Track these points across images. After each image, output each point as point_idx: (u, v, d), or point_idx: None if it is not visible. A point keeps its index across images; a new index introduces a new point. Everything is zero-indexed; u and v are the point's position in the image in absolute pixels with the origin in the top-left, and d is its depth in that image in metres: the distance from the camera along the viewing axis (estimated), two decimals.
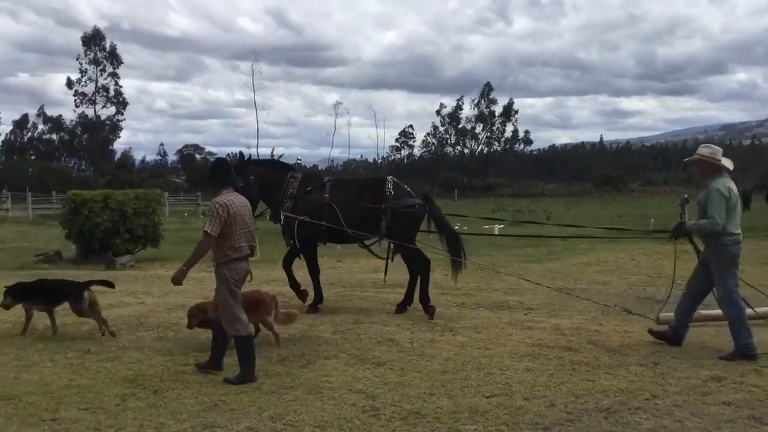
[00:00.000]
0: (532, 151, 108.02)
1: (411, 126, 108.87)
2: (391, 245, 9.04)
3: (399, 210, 8.73)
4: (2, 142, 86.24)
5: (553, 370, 6.10)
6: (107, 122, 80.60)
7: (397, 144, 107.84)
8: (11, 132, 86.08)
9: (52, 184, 54.82)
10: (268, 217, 9.31)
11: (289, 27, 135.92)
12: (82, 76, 78.44)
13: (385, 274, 9.33)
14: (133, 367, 6.13)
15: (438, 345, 7.00)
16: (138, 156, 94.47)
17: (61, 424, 4.67)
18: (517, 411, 4.99)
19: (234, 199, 5.97)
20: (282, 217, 8.89)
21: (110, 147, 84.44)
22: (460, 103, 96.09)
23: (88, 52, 77.95)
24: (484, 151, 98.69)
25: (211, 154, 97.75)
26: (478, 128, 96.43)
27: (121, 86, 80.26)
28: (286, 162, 10.73)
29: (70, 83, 78.26)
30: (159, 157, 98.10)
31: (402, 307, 8.88)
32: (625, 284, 11.96)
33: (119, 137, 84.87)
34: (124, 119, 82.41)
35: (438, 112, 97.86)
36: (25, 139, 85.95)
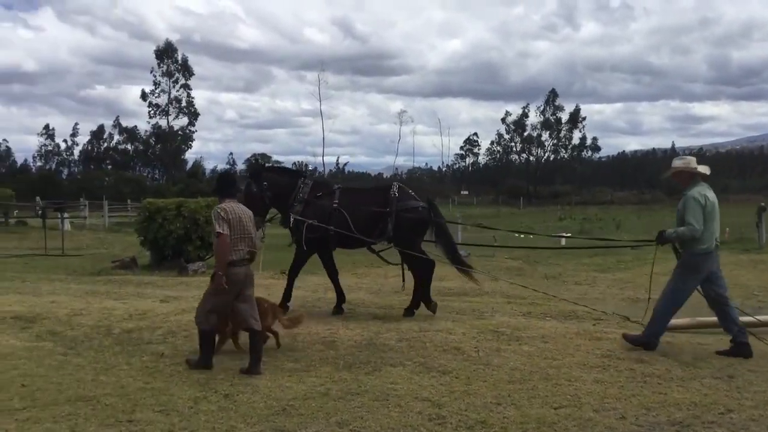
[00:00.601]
0: (600, 158, 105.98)
1: (476, 134, 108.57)
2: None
3: (403, 213, 9.03)
4: (80, 152, 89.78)
5: (623, 382, 5.97)
6: (179, 132, 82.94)
7: (462, 152, 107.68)
8: (89, 142, 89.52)
9: (127, 193, 56.74)
10: (279, 222, 9.68)
11: (355, 37, 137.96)
12: (155, 88, 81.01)
13: (403, 280, 9.61)
14: (204, 372, 6.28)
15: (504, 354, 6.94)
16: (208, 165, 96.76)
17: (137, 425, 4.83)
18: (586, 423, 4.91)
19: (234, 207, 6.55)
20: (291, 220, 9.17)
21: (182, 156, 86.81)
22: (525, 110, 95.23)
23: (161, 65, 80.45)
24: (551, 159, 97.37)
25: (278, 162, 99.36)
26: (544, 135, 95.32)
27: (192, 97, 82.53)
28: (297, 169, 11.40)
29: (144, 95, 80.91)
30: (228, 166, 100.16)
31: (409, 312, 9.07)
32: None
33: (191, 147, 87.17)
34: (196, 130, 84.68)
35: (503, 120, 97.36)
36: (102, 149, 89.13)
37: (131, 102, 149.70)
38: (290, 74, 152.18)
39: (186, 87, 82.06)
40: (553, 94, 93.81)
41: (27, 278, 13.67)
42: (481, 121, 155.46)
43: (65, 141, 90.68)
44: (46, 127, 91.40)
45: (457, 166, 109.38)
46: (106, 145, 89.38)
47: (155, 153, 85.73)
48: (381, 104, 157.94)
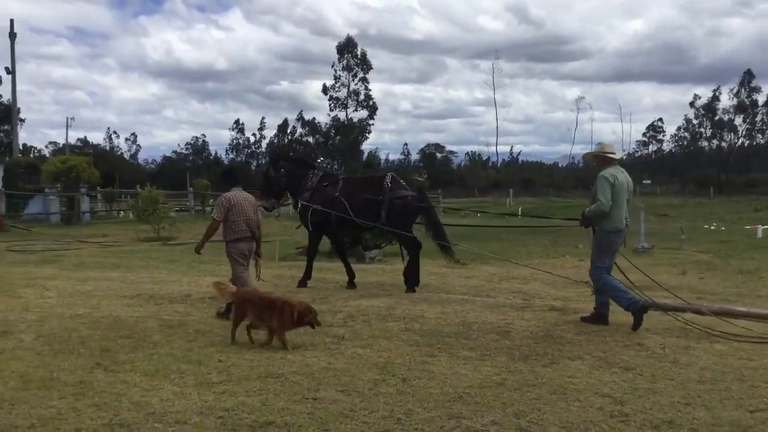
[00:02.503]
0: None
1: (660, 119, 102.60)
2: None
3: (394, 200, 10.18)
4: (267, 144, 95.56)
5: None
6: (357, 124, 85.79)
7: (645, 139, 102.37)
8: (275, 135, 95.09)
9: None
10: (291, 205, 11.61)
11: (530, 22, 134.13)
12: (335, 82, 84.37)
13: (403, 260, 10.74)
14: (383, 355, 6.47)
15: (693, 353, 6.53)
16: (383, 156, 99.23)
17: (322, 403, 5.07)
18: None
19: (237, 195, 8.09)
20: (300, 205, 10.71)
21: (359, 147, 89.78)
22: (716, 93, 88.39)
23: (341, 60, 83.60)
24: (745, 145, 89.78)
25: (451, 152, 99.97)
26: (738, 120, 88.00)
27: (370, 90, 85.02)
28: (310, 161, 13.10)
29: (325, 89, 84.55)
30: (402, 157, 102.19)
31: (411, 288, 10.13)
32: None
33: (368, 138, 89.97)
34: (374, 123, 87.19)
35: (691, 104, 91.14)
36: (286, 142, 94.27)
37: (312, 96, 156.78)
38: (463, 63, 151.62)
39: (364, 80, 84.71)
40: (748, 75, 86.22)
41: (221, 262, 14.78)
42: (666, 105, 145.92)
43: (254, 134, 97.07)
44: (237, 121, 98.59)
45: (639, 153, 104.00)
46: (290, 138, 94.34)
47: (334, 144, 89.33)
48: (556, 91, 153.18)
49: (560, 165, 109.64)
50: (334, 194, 10.47)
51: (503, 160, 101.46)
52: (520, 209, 37.99)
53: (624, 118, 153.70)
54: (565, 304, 9.22)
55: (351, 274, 10.73)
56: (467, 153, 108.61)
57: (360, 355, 6.48)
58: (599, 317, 7.78)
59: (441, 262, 14.45)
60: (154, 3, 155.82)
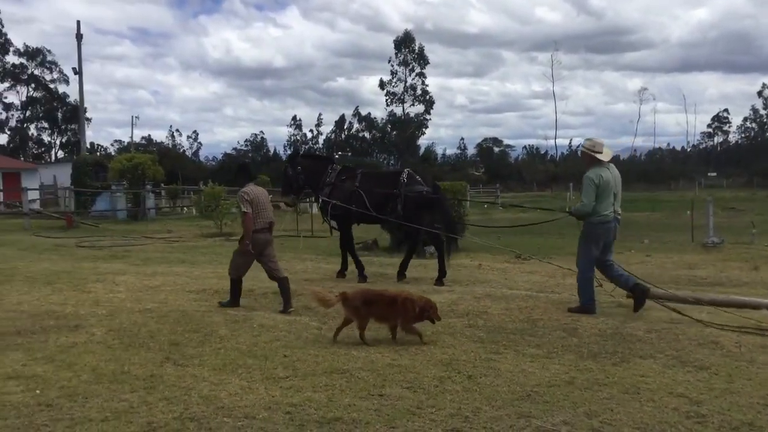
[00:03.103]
0: None
1: (726, 110, 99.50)
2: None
3: (409, 195, 10.58)
4: (324, 140, 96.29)
5: None
6: (414, 119, 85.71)
7: (710, 130, 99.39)
8: (332, 131, 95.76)
9: None
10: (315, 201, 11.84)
11: (589, 13, 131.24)
12: (392, 78, 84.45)
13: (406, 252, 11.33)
14: (447, 352, 6.41)
15: None
16: (439, 150, 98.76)
17: (388, 399, 5.04)
18: None
19: (253, 189, 8.48)
20: (321, 200, 11.13)
21: (416, 142, 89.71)
22: None
23: (398, 55, 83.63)
24: None
25: (508, 146, 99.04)
26: None
27: (427, 85, 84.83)
28: (328, 156, 13.85)
29: (382, 84, 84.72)
30: (459, 151, 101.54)
31: (439, 282, 10.50)
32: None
33: (424, 133, 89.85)
34: (430, 118, 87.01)
35: (760, 93, 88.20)
36: (343, 137, 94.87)
37: (368, 92, 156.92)
38: (520, 56, 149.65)
39: (421, 75, 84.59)
40: None
41: (282, 257, 14.93)
42: (732, 95, 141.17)
43: (311, 131, 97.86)
44: (294, 118, 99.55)
45: (704, 145, 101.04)
46: (347, 133, 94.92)
47: (391, 140, 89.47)
48: (617, 82, 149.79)
49: (621, 158, 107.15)
50: (353, 188, 10.93)
51: (562, 153, 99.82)
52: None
53: (688, 109, 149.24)
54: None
55: (345, 266, 11.34)
56: (525, 147, 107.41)
57: (424, 351, 6.43)
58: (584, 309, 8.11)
59: (503, 258, 14.31)
60: (213, 2, 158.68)
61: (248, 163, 11.25)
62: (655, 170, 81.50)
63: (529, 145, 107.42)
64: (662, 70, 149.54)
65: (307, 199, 11.62)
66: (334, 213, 11.04)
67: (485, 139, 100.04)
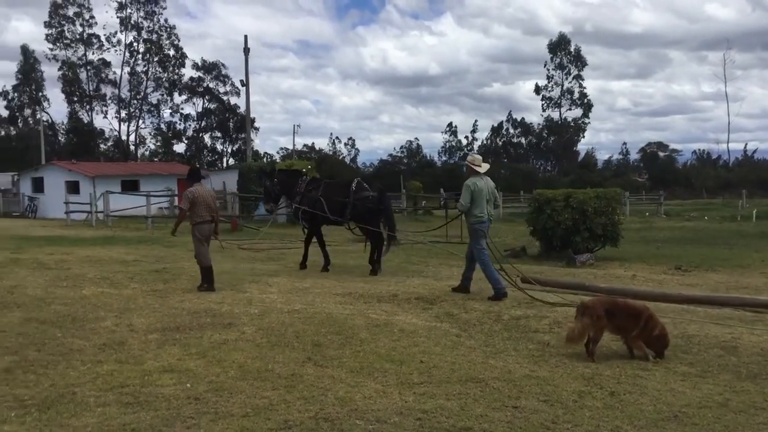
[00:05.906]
0: None
1: None
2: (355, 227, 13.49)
3: (357, 202, 12.68)
4: (479, 146, 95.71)
5: None
6: (571, 124, 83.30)
7: None
8: (488, 138, 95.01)
9: (520, 185, 58.83)
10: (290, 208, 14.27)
11: (766, 8, 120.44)
12: (548, 82, 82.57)
13: (365, 246, 13.55)
14: (589, 365, 6.14)
15: None
16: (600, 156, 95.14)
17: (522, 412, 4.90)
18: None
19: (198, 189, 10.35)
20: (293, 206, 13.52)
21: (574, 148, 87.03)
22: None
23: (554, 58, 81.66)
24: None
25: (675, 151, 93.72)
26: None
27: (585, 87, 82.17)
28: (298, 170, 15.83)
29: (537, 89, 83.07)
30: (621, 156, 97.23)
31: (374, 272, 12.42)
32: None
33: (583, 138, 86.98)
34: (589, 122, 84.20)
35: None
36: (499, 144, 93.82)
37: (524, 96, 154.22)
38: (688, 56, 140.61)
39: (578, 78, 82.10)
40: None
41: (429, 263, 15.00)
42: None
43: (466, 137, 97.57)
44: (449, 124, 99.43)
45: None
46: (503, 139, 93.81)
47: (548, 145, 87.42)
48: None
49: None
50: (317, 196, 13.03)
51: (736, 158, 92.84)
52: (754, 212, 34.47)
53: None
54: None
55: (326, 259, 13.18)
56: (694, 151, 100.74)
57: (565, 364, 6.21)
58: (462, 288, 9.99)
59: (660, 269, 13.54)
60: (371, 13, 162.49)
61: (198, 167, 15.64)
62: None
63: (699, 149, 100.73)
64: None
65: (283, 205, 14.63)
66: (304, 216, 13.19)
67: (649, 144, 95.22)
